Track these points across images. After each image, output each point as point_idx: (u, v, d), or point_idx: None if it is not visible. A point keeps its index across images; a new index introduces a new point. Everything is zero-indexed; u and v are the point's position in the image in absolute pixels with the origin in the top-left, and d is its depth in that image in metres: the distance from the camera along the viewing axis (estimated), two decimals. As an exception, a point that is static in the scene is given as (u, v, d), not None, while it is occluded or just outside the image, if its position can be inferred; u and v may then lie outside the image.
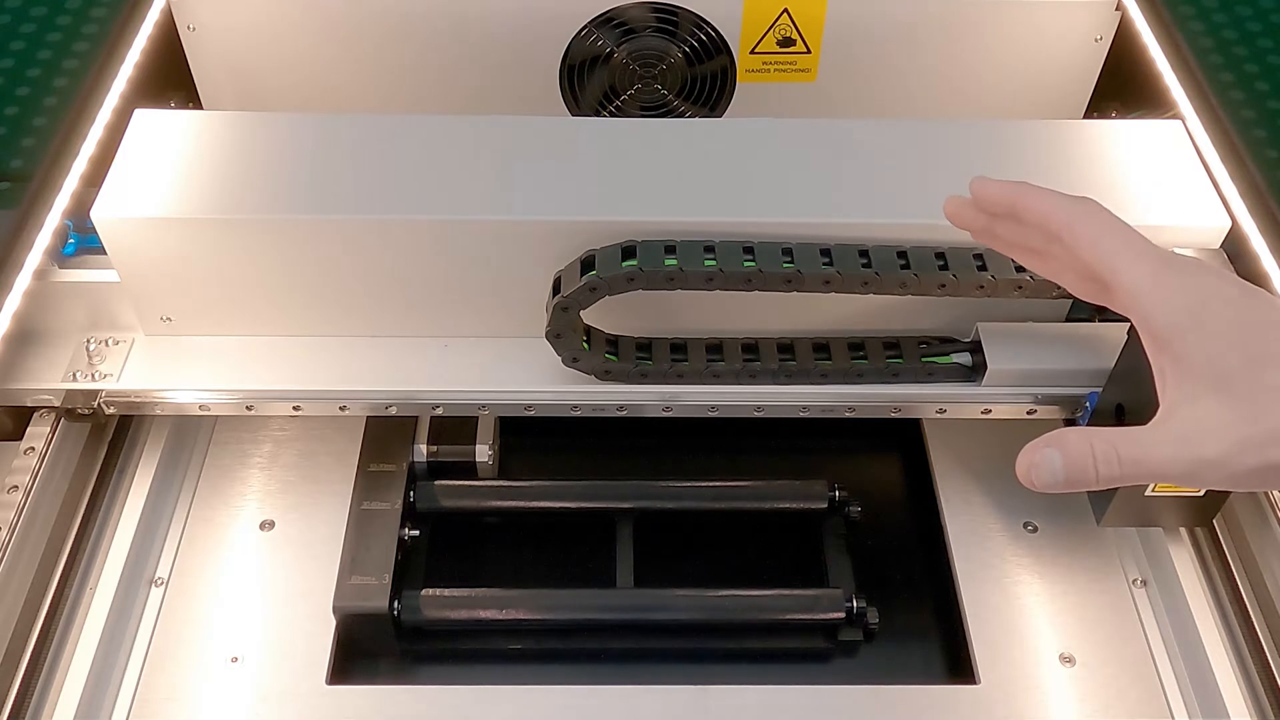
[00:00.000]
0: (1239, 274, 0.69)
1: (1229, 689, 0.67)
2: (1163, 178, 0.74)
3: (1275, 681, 0.67)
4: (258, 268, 0.72)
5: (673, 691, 0.66)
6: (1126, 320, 0.67)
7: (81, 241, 0.76)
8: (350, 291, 0.73)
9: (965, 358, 0.74)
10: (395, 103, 0.98)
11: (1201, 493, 0.67)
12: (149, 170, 0.71)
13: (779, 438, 0.81)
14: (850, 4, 0.93)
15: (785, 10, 0.93)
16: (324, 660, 0.68)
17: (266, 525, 0.74)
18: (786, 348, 0.74)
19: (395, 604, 0.68)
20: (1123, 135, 0.77)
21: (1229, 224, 0.72)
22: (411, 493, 0.74)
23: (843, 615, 0.69)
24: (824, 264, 0.68)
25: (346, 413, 0.74)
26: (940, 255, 0.69)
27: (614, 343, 0.73)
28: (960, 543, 0.75)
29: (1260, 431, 0.40)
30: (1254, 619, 0.70)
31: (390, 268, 0.72)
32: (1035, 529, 0.76)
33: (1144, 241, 0.45)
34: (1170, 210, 0.72)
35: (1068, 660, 0.69)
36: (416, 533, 0.73)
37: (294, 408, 0.74)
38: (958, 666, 0.68)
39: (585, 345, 0.71)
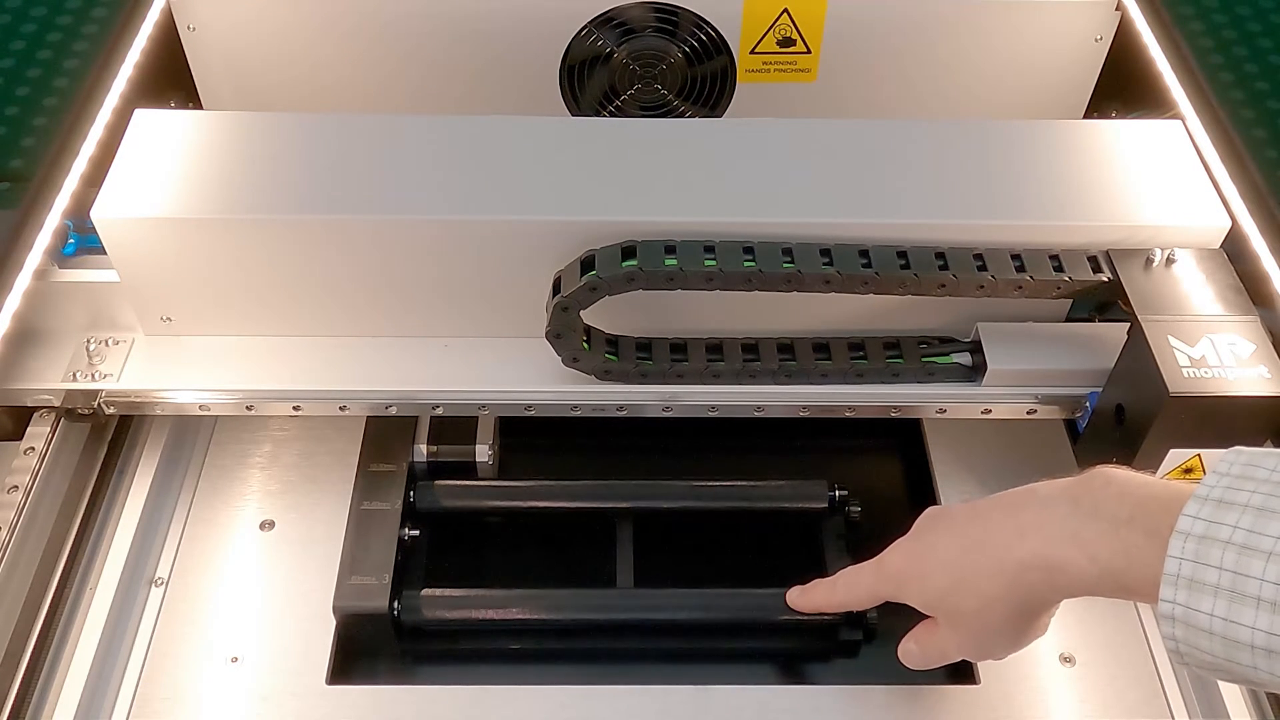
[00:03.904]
0: (1238, 274, 0.69)
1: (1229, 689, 0.67)
2: (1163, 178, 0.74)
3: (1275, 681, 0.67)
4: (258, 268, 0.72)
5: (672, 691, 0.66)
6: (1127, 320, 0.68)
7: (81, 241, 0.76)
8: (350, 291, 0.73)
9: (965, 358, 0.74)
10: (395, 103, 0.98)
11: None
12: (149, 170, 0.71)
13: (779, 438, 0.81)
14: (850, 4, 0.93)
15: (785, 10, 0.93)
16: (324, 660, 0.67)
17: (266, 525, 0.74)
18: (786, 348, 0.74)
19: (395, 604, 0.68)
20: (1123, 135, 0.77)
21: (1229, 224, 0.71)
22: (411, 493, 0.74)
23: (843, 615, 0.69)
24: (824, 264, 0.68)
25: (346, 413, 0.74)
26: (940, 255, 0.69)
27: (614, 343, 0.73)
28: (960, 543, 0.74)
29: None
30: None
31: (390, 268, 0.72)
32: (1035, 529, 0.75)
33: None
34: (1170, 210, 0.72)
35: (1068, 660, 0.69)
36: (416, 533, 0.73)
37: (294, 408, 0.74)
38: (958, 666, 0.68)
39: (585, 345, 0.71)
